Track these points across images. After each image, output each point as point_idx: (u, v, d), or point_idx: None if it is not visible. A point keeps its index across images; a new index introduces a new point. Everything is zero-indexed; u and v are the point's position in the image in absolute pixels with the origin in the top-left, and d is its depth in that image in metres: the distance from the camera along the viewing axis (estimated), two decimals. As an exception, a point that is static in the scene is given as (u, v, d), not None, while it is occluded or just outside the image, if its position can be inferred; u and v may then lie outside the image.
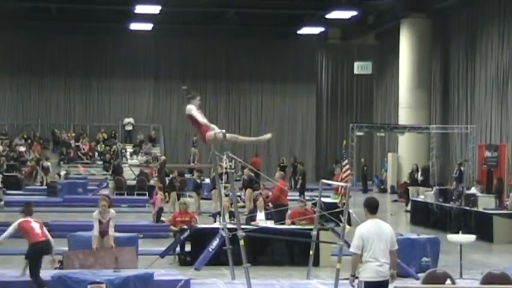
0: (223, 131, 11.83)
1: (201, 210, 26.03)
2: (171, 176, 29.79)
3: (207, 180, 29.58)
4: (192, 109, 11.93)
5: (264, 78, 45.55)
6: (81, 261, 13.87)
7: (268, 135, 12.75)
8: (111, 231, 14.68)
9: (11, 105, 44.28)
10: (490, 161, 29.60)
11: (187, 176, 33.81)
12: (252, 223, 17.26)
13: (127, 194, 31.85)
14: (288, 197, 22.36)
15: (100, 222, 14.64)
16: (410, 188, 30.95)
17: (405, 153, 36.74)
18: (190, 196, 27.86)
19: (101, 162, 42.11)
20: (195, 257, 14.97)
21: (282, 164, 39.95)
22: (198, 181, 27.94)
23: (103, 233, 14.66)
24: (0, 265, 15.74)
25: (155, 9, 36.82)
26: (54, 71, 44.26)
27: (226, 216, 15.69)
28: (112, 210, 14.90)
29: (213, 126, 11.92)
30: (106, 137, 44.24)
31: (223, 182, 14.48)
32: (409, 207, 27.44)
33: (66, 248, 15.35)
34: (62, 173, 36.47)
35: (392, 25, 38.27)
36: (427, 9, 36.03)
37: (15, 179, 34.83)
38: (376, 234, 9.39)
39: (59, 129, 43.99)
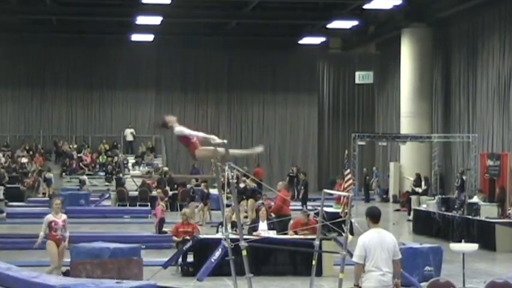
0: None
1: (207, 221, 25.94)
2: (188, 186, 29.88)
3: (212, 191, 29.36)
4: (181, 130, 10.99)
5: (266, 88, 45.57)
6: (88, 272, 13.83)
7: (260, 148, 12.52)
8: (67, 235, 14.74)
9: (12, 117, 44.32)
10: (492, 170, 29.50)
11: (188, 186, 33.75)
12: (255, 233, 17.23)
13: (129, 205, 31.87)
14: (290, 207, 22.34)
15: (55, 223, 14.57)
16: (412, 197, 30.96)
17: (407, 163, 36.68)
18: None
19: (103, 174, 42.09)
20: (198, 268, 14.96)
21: (291, 174, 39.69)
22: (206, 191, 27.78)
23: (59, 240, 14.56)
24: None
25: (156, 20, 36.88)
26: (55, 83, 44.29)
27: (229, 226, 15.66)
28: (63, 214, 14.89)
29: (213, 137, 11.10)
30: (108, 148, 44.20)
31: (225, 192, 14.43)
32: (411, 217, 27.39)
33: (69, 260, 15.30)
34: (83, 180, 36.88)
35: (393, 34, 38.28)
36: (427, 18, 36.03)
37: (18, 191, 34.85)
38: (379, 244, 9.36)
39: (61, 140, 44.05)
